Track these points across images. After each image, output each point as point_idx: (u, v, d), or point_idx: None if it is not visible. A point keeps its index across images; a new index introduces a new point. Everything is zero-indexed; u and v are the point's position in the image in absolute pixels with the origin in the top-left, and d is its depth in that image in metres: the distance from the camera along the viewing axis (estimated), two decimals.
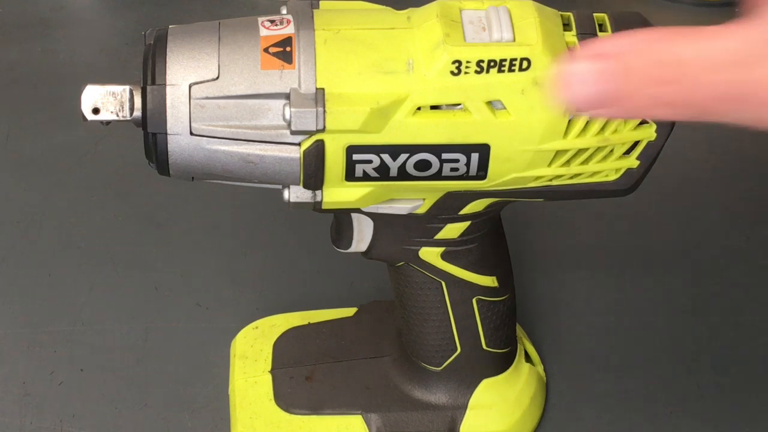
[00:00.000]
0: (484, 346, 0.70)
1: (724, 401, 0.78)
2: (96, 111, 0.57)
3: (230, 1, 1.12)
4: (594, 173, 0.59)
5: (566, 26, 0.58)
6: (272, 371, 0.74)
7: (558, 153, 0.58)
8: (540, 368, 0.76)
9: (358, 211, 0.62)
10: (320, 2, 0.60)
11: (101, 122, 0.57)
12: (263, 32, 0.57)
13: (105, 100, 0.57)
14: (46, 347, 0.80)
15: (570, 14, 0.59)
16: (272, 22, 0.58)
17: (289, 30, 0.57)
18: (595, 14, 0.59)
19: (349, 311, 0.78)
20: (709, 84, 0.41)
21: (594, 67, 0.42)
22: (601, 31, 0.58)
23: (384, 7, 0.60)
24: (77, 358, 0.80)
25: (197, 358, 0.80)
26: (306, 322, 0.77)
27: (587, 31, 0.58)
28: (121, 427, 0.76)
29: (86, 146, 0.96)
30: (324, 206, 0.59)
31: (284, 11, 0.59)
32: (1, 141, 0.98)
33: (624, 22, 0.58)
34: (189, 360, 0.80)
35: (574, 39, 0.57)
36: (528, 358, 0.75)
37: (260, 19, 0.58)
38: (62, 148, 0.96)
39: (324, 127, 0.55)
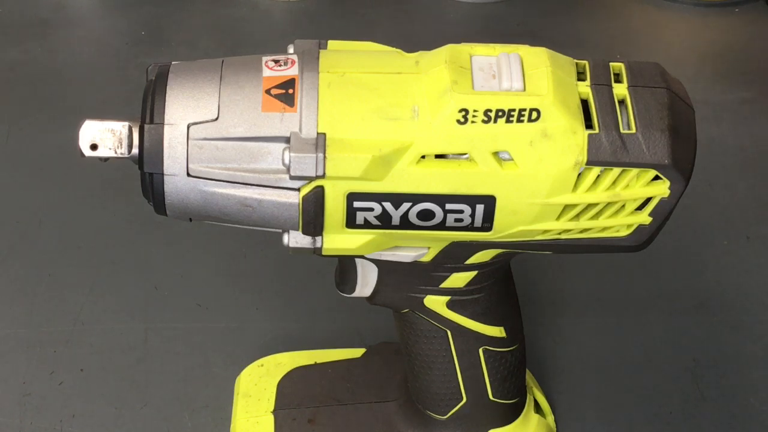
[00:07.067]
0: (491, 397, 0.68)
1: (724, 401, 0.78)
2: (94, 147, 0.55)
3: (230, 1, 1.10)
4: (604, 228, 0.57)
5: (580, 75, 0.56)
6: (275, 412, 0.72)
7: (567, 207, 0.56)
8: (550, 419, 0.74)
9: (361, 256, 0.61)
10: (329, 42, 0.58)
11: (99, 158, 0.56)
12: (266, 72, 0.55)
13: (103, 137, 0.55)
14: (46, 347, 0.80)
15: (585, 63, 0.57)
16: (276, 62, 0.56)
17: (292, 71, 0.55)
18: (611, 63, 0.57)
19: (357, 352, 0.76)
20: None
21: None
22: (616, 81, 0.56)
23: (393, 49, 0.58)
24: (77, 358, 0.80)
25: (197, 358, 0.80)
26: (312, 362, 0.75)
27: (602, 82, 0.56)
28: (121, 427, 0.75)
29: None
30: (324, 252, 0.58)
31: (291, 50, 0.57)
32: (1, 141, 0.98)
33: (641, 73, 0.56)
34: (189, 360, 0.80)
35: (588, 89, 0.55)
36: (538, 409, 0.73)
37: (264, 59, 0.56)
38: (62, 148, 0.95)
39: (324, 173, 0.54)
